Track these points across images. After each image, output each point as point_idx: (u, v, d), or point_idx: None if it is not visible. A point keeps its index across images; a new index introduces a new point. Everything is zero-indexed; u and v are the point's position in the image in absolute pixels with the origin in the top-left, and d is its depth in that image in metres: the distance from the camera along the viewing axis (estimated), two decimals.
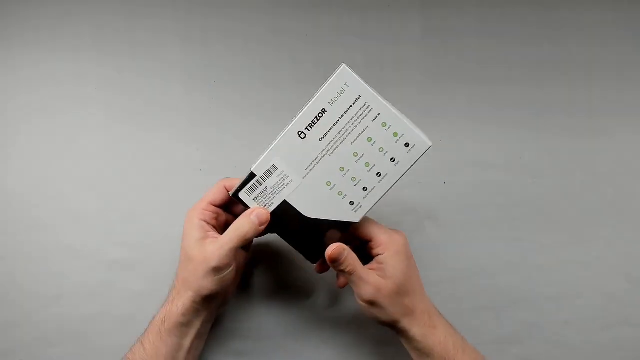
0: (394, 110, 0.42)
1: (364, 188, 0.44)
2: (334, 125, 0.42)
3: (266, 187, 0.43)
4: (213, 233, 0.45)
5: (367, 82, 0.42)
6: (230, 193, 0.45)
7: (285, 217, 0.44)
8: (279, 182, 0.43)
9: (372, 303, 0.44)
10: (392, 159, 0.43)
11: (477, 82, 0.56)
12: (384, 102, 0.42)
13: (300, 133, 0.43)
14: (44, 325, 0.54)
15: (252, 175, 0.43)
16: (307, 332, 0.54)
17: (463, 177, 0.54)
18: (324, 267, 0.49)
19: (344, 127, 0.42)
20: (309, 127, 0.42)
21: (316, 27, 0.56)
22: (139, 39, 0.56)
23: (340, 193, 0.44)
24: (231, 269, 0.44)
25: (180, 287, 0.45)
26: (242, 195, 0.44)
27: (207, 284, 0.44)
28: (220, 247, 0.43)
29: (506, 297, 0.54)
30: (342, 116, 0.42)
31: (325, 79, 0.42)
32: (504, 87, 0.56)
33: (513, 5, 0.56)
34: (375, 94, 0.42)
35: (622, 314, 0.54)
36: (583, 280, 0.54)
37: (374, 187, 0.44)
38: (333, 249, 0.43)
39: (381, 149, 0.43)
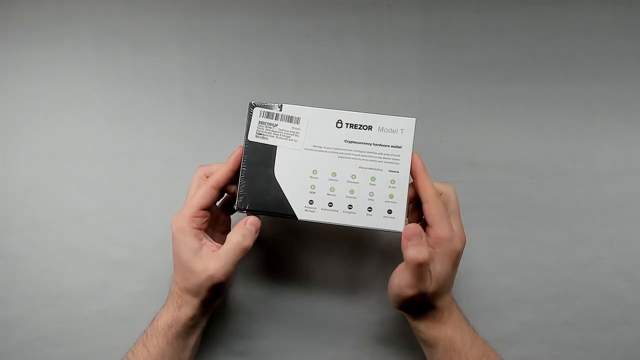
0: (408, 182, 0.44)
1: (329, 203, 0.44)
2: (364, 144, 0.44)
3: (277, 124, 0.44)
4: (207, 241, 0.45)
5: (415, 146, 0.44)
6: (252, 102, 0.45)
7: (256, 160, 0.44)
8: (288, 131, 0.44)
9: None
10: (369, 208, 0.44)
11: (477, 82, 0.56)
12: (408, 170, 0.44)
13: (338, 122, 0.44)
14: (44, 325, 0.54)
15: (280, 107, 0.44)
16: (307, 332, 0.54)
17: (463, 177, 0.54)
18: None
19: (368, 152, 0.44)
20: (348, 125, 0.44)
21: (316, 27, 0.56)
22: (139, 39, 0.56)
23: (312, 187, 0.44)
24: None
25: (184, 296, 0.45)
26: (256, 110, 0.45)
27: (215, 294, 0.45)
28: (224, 263, 0.43)
29: (506, 297, 0.54)
30: (376, 145, 0.44)
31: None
32: (504, 87, 0.56)
33: (513, 5, 0.56)
34: (409, 159, 0.44)
35: (622, 314, 0.54)
36: (583, 280, 0.54)
37: (337, 211, 0.44)
38: (411, 228, 0.42)
39: (371, 194, 0.44)
